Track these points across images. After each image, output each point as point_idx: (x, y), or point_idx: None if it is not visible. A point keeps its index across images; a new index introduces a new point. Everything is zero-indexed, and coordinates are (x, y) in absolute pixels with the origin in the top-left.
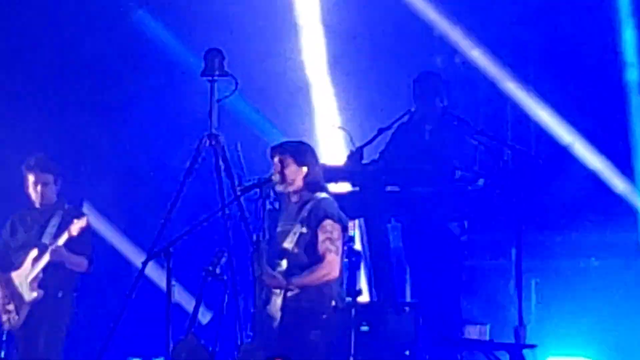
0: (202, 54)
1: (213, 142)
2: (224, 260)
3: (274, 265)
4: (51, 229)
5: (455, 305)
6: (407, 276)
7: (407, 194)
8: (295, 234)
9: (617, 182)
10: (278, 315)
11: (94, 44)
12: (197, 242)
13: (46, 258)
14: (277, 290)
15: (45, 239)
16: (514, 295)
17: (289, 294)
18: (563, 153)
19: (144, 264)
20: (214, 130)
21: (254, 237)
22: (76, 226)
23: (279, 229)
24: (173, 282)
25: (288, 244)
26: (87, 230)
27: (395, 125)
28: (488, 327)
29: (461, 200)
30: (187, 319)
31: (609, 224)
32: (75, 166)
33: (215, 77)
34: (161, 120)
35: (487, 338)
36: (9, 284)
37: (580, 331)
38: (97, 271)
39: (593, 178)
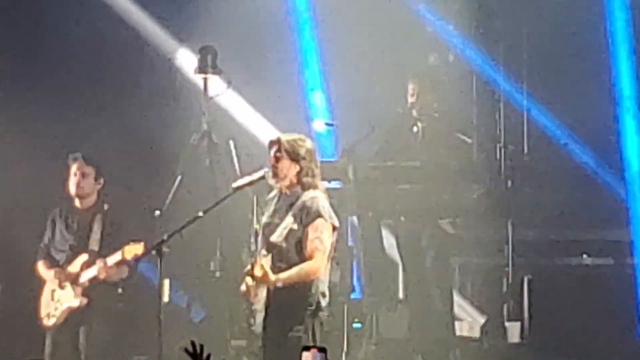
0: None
1: (206, 139)
2: None
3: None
4: (95, 234)
5: (447, 302)
6: (400, 273)
7: (400, 192)
8: (285, 228)
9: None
10: (263, 309)
11: (87, 46)
12: (190, 240)
13: (94, 270)
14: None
15: (93, 246)
16: (506, 292)
17: (273, 288)
18: (555, 151)
19: (136, 261)
20: (206, 127)
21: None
22: (131, 252)
23: (265, 220)
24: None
25: (276, 237)
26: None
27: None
28: (479, 324)
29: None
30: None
31: (601, 221)
32: None
33: (209, 74)
34: (154, 117)
35: (478, 335)
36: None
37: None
38: None
39: (585, 175)
